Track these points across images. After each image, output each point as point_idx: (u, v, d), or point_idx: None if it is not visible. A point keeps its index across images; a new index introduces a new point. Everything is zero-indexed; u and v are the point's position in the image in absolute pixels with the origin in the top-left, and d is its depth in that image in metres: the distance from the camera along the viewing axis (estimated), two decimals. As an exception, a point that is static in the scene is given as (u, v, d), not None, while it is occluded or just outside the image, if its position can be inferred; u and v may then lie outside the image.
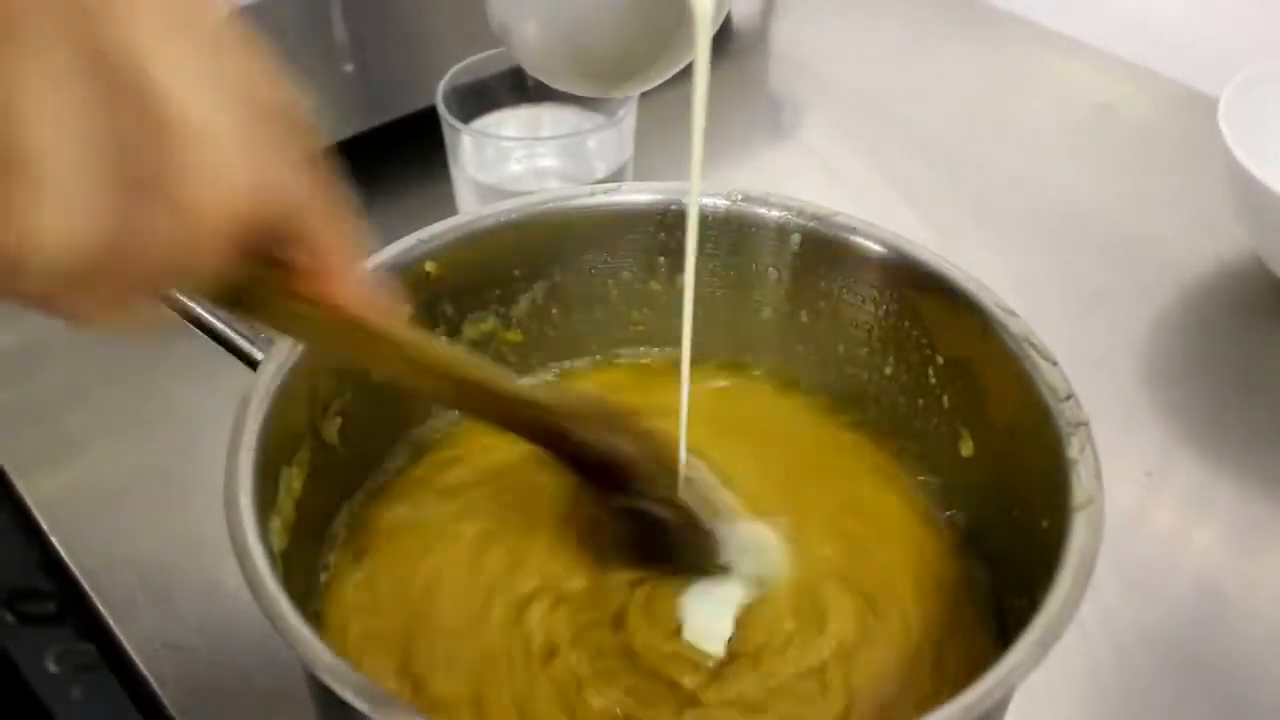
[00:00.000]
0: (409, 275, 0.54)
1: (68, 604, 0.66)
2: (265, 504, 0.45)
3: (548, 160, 0.78)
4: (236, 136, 0.30)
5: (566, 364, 0.61)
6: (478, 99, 0.76)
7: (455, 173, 0.76)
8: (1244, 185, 0.74)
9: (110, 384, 0.72)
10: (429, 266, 0.54)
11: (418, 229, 0.55)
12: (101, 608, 0.60)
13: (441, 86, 0.74)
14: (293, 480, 0.49)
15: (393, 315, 0.41)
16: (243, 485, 0.44)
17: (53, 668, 0.65)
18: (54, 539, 0.64)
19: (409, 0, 0.79)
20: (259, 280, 0.36)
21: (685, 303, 0.50)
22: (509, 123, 0.78)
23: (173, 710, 0.56)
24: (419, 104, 0.80)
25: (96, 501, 0.66)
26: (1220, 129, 0.75)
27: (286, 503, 0.48)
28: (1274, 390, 0.74)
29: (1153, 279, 0.81)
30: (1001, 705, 0.43)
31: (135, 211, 0.29)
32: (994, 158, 0.93)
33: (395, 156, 0.82)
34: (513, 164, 0.78)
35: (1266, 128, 0.80)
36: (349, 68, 0.78)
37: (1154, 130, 0.95)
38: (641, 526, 0.50)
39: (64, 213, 0.28)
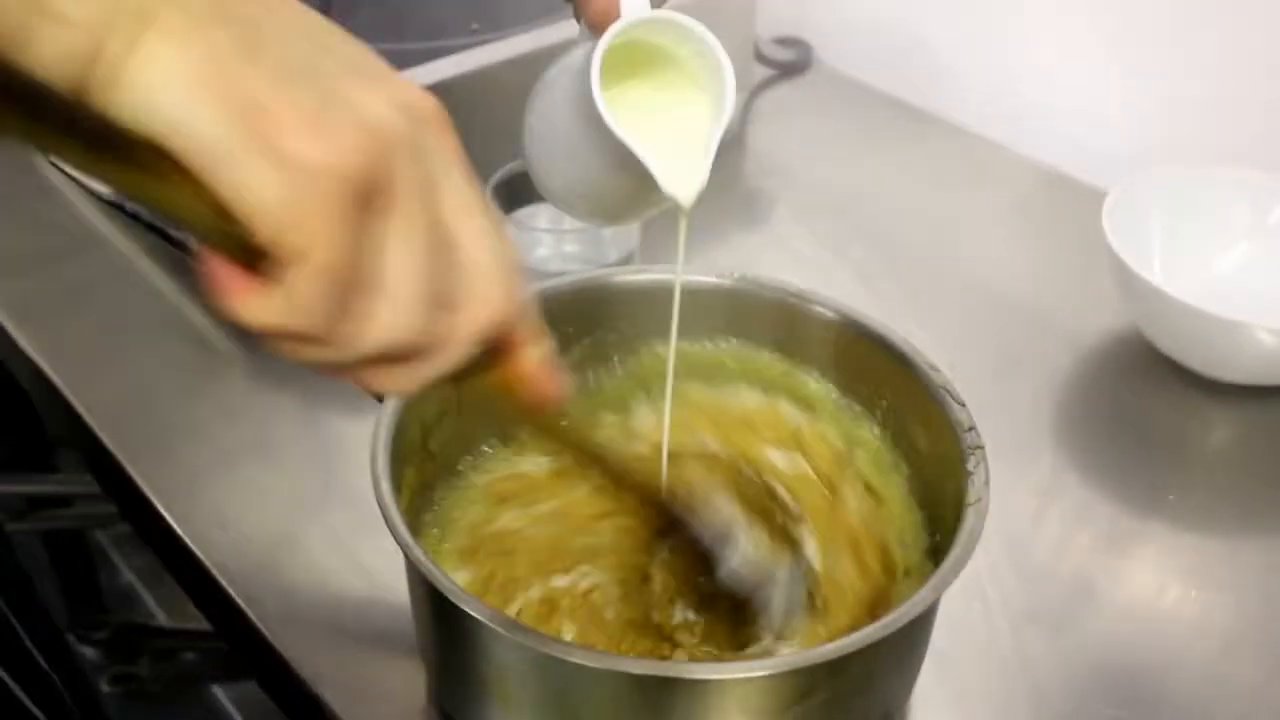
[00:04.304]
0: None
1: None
2: (395, 488, 0.61)
3: (569, 246, 0.91)
4: (500, 277, 0.45)
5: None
6: (515, 194, 0.90)
7: (498, 254, 0.91)
8: (1122, 272, 0.88)
9: (269, 407, 0.87)
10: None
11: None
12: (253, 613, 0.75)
13: (490, 185, 0.88)
14: (410, 475, 0.66)
15: (554, 397, 0.53)
16: (382, 473, 0.60)
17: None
18: (230, 589, 0.74)
19: (460, 121, 0.96)
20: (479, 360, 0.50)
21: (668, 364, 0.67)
22: (540, 215, 0.91)
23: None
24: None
25: (252, 511, 0.79)
26: (1104, 226, 0.89)
27: (405, 491, 0.65)
28: (1145, 433, 0.88)
29: (1053, 344, 0.95)
30: (921, 626, 0.61)
31: (436, 320, 0.43)
32: (931, 244, 1.06)
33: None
34: (541, 249, 0.92)
35: (1145, 223, 0.95)
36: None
37: (1060, 221, 1.08)
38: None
39: (393, 317, 0.42)
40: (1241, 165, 0.98)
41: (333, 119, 0.39)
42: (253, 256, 0.40)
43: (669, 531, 0.66)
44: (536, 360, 0.51)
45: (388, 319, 0.42)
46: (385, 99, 0.41)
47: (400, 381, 0.45)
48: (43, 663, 1.25)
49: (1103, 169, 1.08)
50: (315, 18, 0.42)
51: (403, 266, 0.41)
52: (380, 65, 0.43)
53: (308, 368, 0.44)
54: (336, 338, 0.42)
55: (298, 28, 0.41)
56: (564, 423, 0.60)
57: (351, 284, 0.41)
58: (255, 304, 0.41)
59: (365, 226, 0.40)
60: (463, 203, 0.44)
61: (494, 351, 0.49)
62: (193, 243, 0.42)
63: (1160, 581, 0.78)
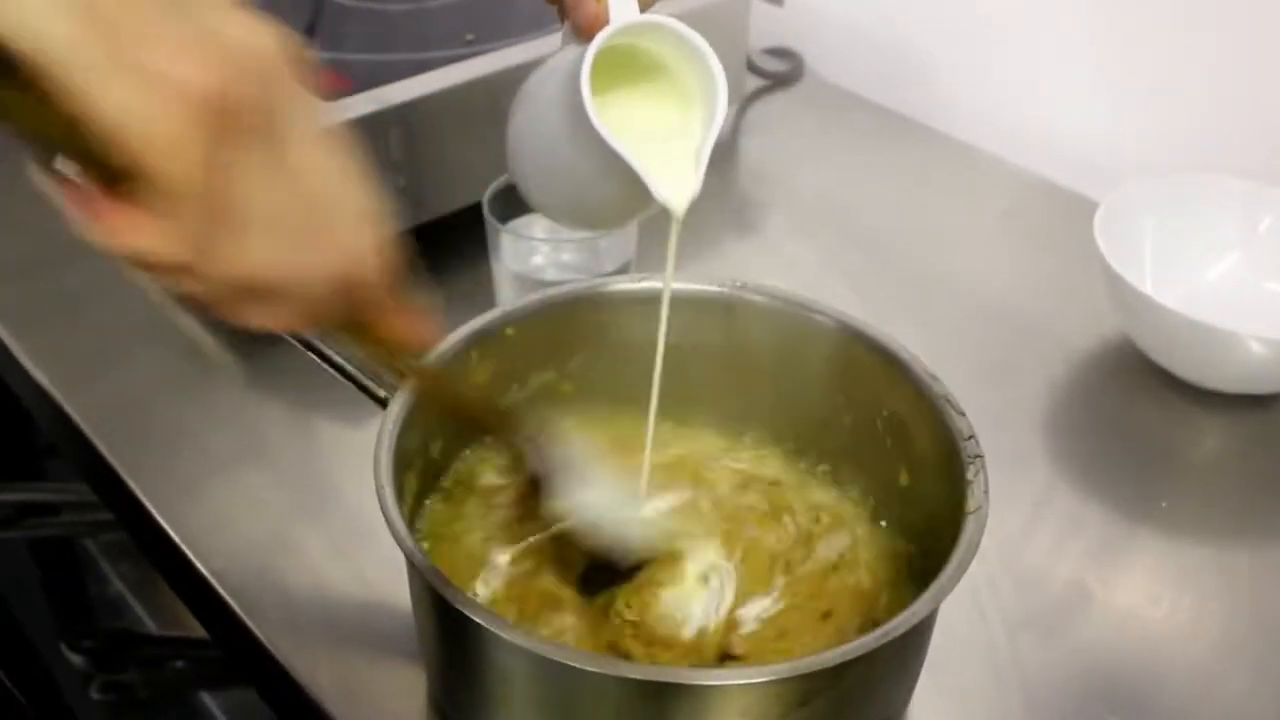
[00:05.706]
0: (494, 336, 0.70)
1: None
2: (399, 494, 0.61)
3: (566, 255, 0.91)
4: (358, 217, 0.47)
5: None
6: (511, 203, 0.89)
7: (494, 263, 0.90)
8: (1114, 282, 0.89)
9: (265, 414, 0.88)
10: (509, 331, 0.71)
11: (461, 307, 0.71)
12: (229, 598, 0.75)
13: (487, 195, 0.88)
14: (412, 481, 0.66)
15: (424, 342, 0.58)
16: (386, 479, 0.60)
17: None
18: (227, 596, 0.74)
19: (453, 131, 0.96)
20: (355, 317, 0.53)
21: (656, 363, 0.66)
22: (536, 224, 0.91)
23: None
24: (457, 205, 0.97)
25: (252, 521, 0.80)
26: (1095, 236, 0.90)
27: (409, 495, 0.65)
28: (1134, 440, 0.89)
29: (1045, 352, 0.96)
30: (920, 634, 0.61)
31: (299, 250, 0.46)
32: (922, 252, 1.07)
33: (437, 248, 0.98)
34: (538, 257, 0.91)
35: (1136, 233, 0.96)
36: (401, 181, 0.94)
37: (1050, 230, 1.09)
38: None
39: (258, 249, 0.44)
40: (1232, 175, 0.98)
41: (194, 41, 0.41)
42: (120, 181, 0.42)
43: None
44: (400, 302, 0.53)
45: (246, 249, 0.44)
46: (247, 30, 0.43)
47: (264, 318, 0.48)
48: (6, 680, 1.24)
49: (1094, 179, 1.10)
50: None
51: (260, 199, 0.43)
52: (245, 8, 0.44)
53: (181, 300, 0.46)
54: (198, 266, 0.44)
55: None
56: (432, 371, 0.63)
57: (212, 211, 0.42)
58: (122, 228, 0.43)
59: (225, 152, 0.42)
60: (322, 145, 0.46)
61: (357, 292, 0.50)
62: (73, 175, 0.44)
63: (1152, 588, 0.79)
